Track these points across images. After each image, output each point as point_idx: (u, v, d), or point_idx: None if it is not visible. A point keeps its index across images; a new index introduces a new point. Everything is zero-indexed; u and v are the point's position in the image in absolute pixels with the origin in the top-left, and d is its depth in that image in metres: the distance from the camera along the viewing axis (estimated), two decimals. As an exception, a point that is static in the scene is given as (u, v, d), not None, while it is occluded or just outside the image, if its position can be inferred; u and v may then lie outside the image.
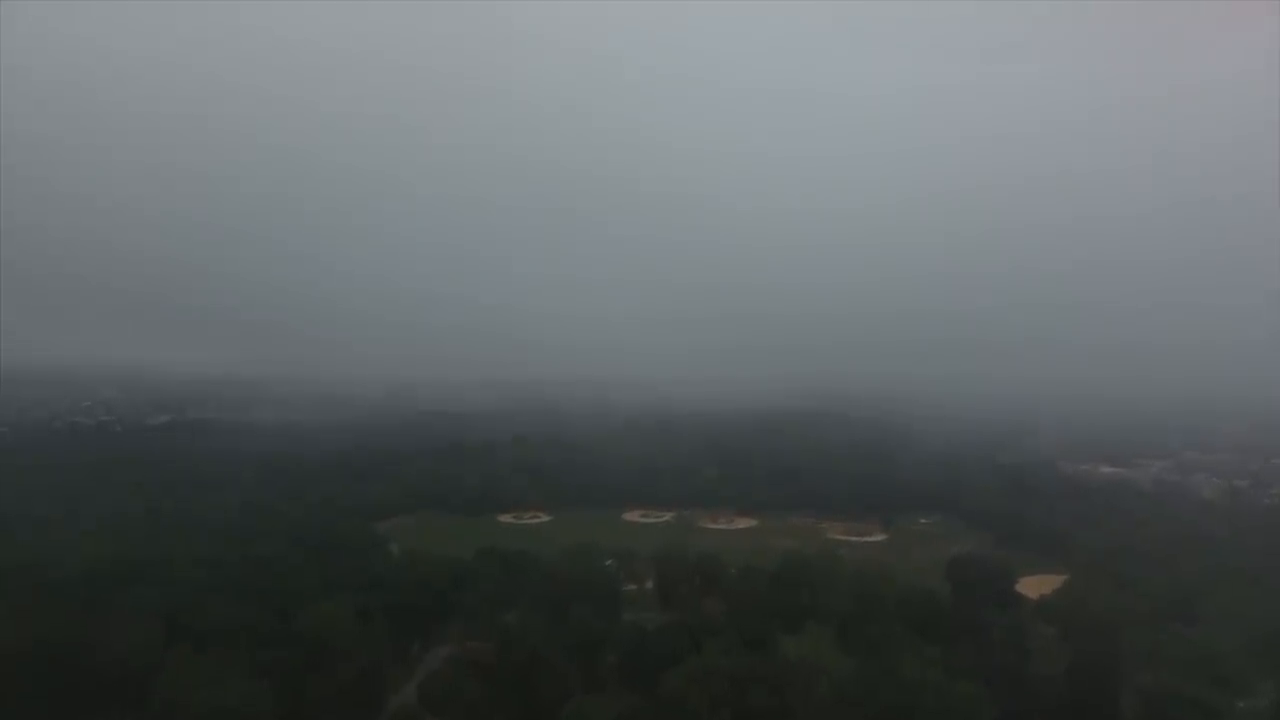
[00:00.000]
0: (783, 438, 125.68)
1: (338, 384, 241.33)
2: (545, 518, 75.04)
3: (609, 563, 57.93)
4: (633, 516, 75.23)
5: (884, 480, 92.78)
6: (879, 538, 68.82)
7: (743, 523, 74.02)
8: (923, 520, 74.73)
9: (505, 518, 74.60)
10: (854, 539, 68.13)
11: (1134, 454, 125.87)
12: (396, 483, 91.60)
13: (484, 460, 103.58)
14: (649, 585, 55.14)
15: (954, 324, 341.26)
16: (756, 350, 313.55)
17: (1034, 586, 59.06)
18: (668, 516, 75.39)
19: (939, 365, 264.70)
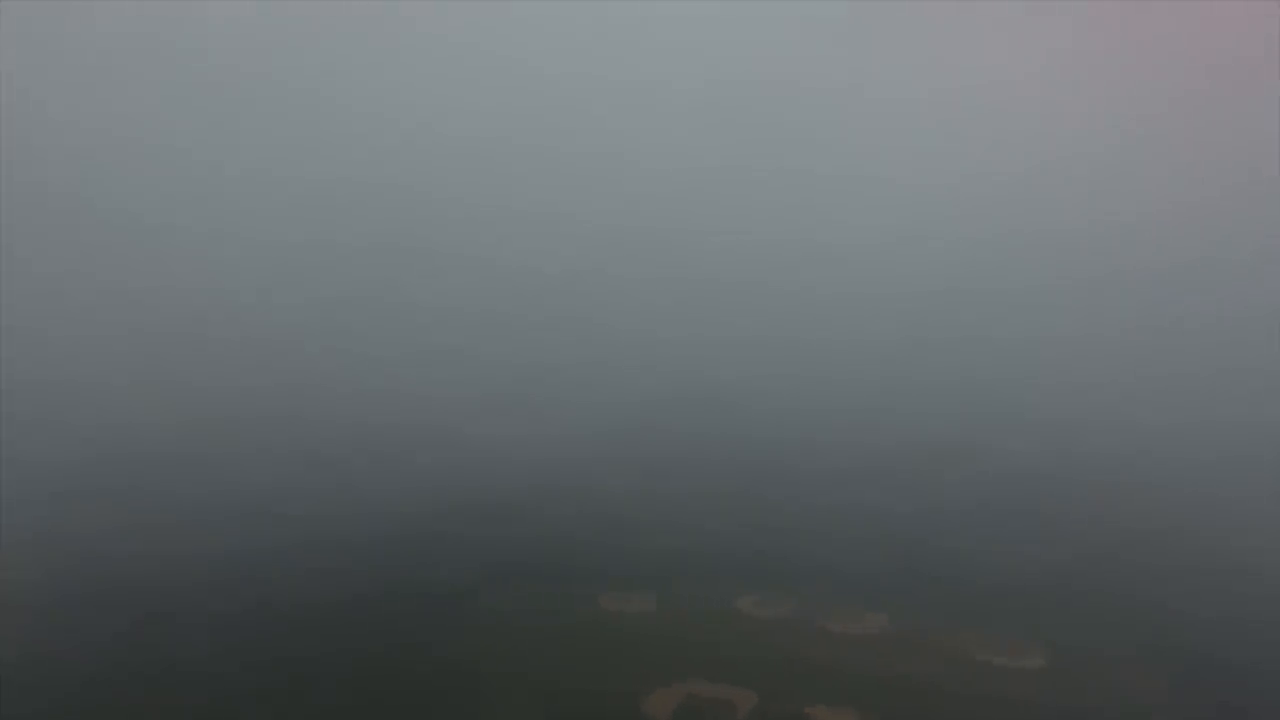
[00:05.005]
0: (895, 483, 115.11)
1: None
2: (651, 603, 69.21)
3: None
4: (746, 605, 68.20)
5: (1026, 559, 77.81)
6: (1038, 662, 58.45)
7: (871, 621, 65.53)
8: (1096, 639, 63.41)
9: (606, 601, 69.23)
10: (1008, 663, 57.98)
11: None
12: (463, 553, 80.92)
13: (575, 519, 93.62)
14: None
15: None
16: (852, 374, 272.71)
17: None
18: (788, 607, 68.00)
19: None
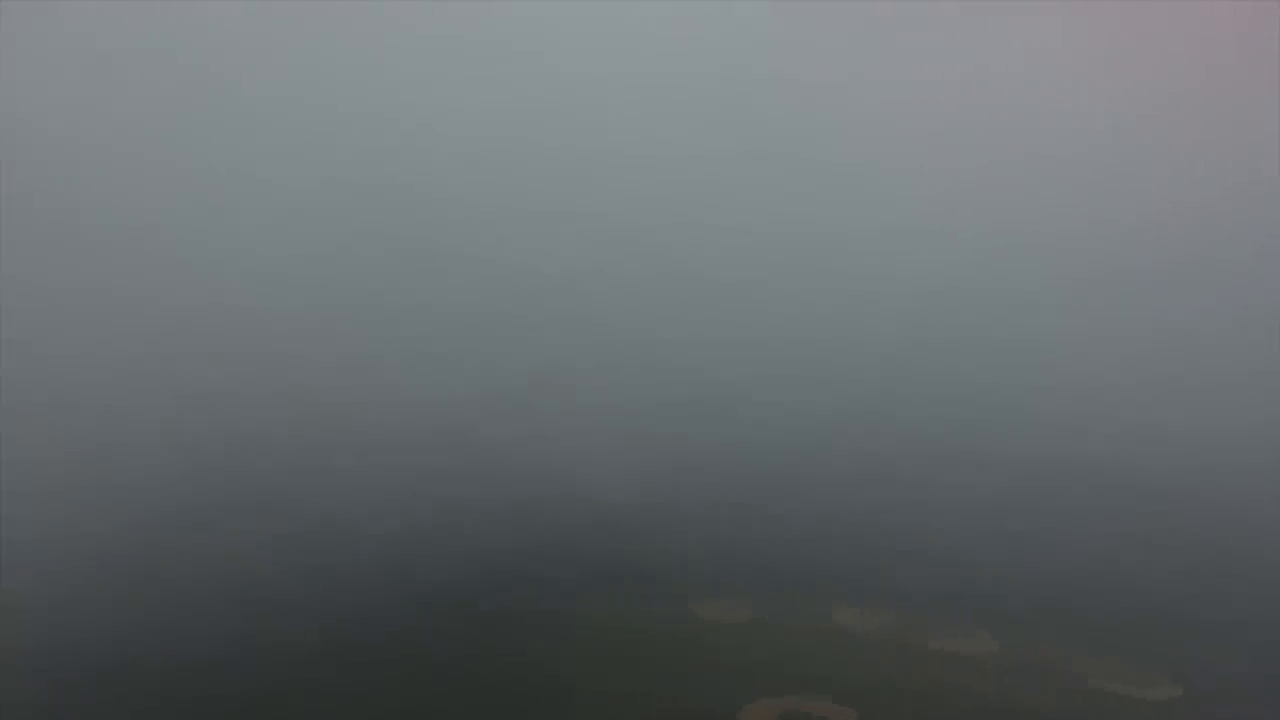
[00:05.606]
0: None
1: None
2: (748, 615, 67.40)
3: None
4: (845, 617, 66.44)
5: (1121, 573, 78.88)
6: (1170, 691, 55.81)
7: (977, 642, 63.59)
8: (1224, 666, 59.83)
9: (703, 610, 67.33)
10: (1134, 694, 55.76)
11: None
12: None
13: (666, 526, 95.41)
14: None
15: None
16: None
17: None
18: (889, 619, 66.18)
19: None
